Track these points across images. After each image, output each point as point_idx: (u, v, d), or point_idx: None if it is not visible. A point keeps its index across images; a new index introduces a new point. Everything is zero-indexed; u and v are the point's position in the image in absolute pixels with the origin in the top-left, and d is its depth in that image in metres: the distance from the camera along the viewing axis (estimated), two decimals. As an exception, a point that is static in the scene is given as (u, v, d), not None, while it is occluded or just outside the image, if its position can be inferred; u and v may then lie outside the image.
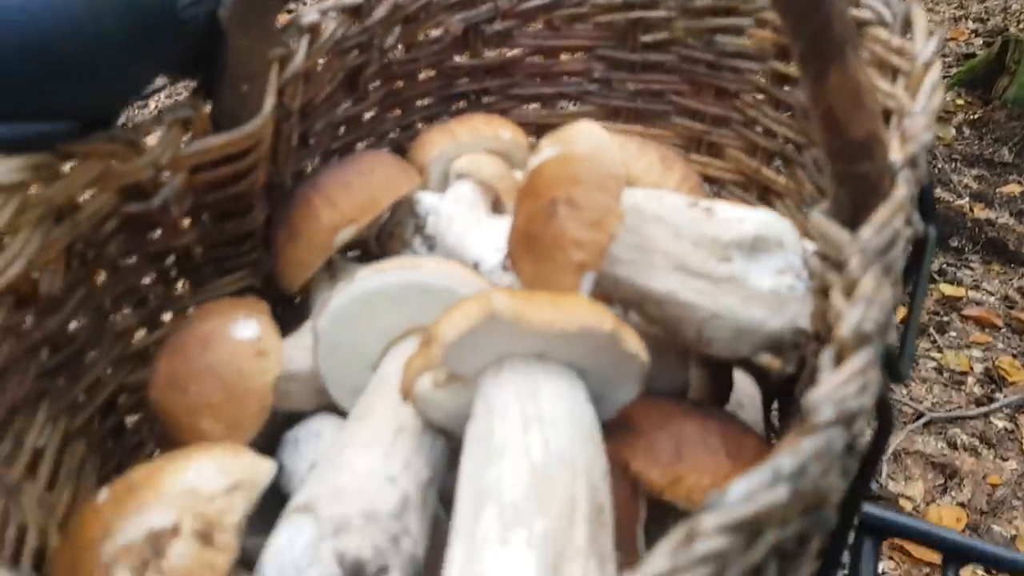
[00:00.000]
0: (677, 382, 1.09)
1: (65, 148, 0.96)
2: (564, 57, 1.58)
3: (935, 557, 1.86)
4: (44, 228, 0.96)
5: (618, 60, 1.55)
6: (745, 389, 1.20)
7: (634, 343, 0.85)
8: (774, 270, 0.97)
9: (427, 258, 1.00)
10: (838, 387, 0.63)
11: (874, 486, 2.77)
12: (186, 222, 1.16)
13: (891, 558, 2.62)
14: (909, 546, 2.60)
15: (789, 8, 0.72)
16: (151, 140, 1.05)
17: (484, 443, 0.79)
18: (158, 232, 1.13)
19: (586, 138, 0.95)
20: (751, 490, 0.56)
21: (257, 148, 1.16)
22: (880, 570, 2.56)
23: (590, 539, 0.74)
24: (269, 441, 1.14)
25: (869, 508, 1.29)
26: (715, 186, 1.50)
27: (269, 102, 1.14)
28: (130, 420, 1.19)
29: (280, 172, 1.27)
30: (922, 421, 3.01)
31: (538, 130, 1.59)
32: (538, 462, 0.76)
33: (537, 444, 0.77)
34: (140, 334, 1.18)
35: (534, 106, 1.60)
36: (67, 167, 0.97)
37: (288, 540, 0.79)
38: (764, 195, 1.44)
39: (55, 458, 1.02)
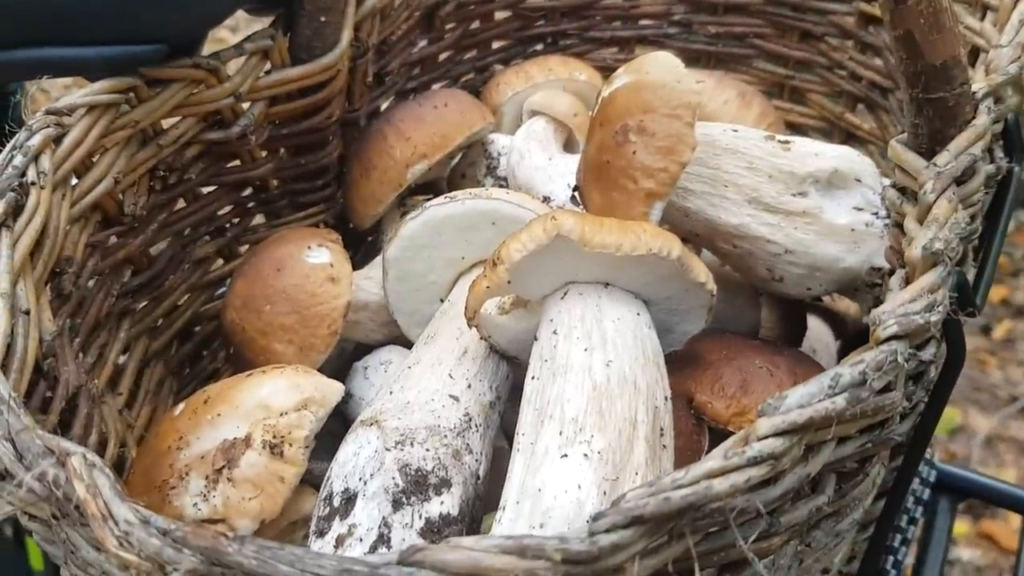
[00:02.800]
0: (748, 323, 1.07)
1: (150, 72, 0.98)
2: (643, -1, 1.55)
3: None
4: (130, 150, 0.99)
5: (699, 1, 1.51)
6: (820, 336, 1.18)
7: (702, 272, 0.84)
8: (851, 206, 0.94)
9: (496, 188, 1.00)
10: (904, 303, 0.61)
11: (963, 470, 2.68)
12: (263, 153, 1.19)
13: (978, 547, 2.54)
14: (997, 533, 2.51)
15: (874, -82, 0.69)
16: (231, 69, 1.07)
17: (548, 362, 0.80)
18: (236, 162, 1.16)
19: (660, 66, 0.93)
20: (808, 397, 0.55)
21: (333, 81, 1.17)
22: (964, 556, 2.48)
23: (649, 458, 0.74)
24: (340, 372, 1.16)
25: (946, 467, 1.26)
26: (797, 132, 1.46)
27: (346, 36, 1.15)
28: (206, 351, 1.23)
29: (355, 109, 1.28)
30: (1018, 405, 2.88)
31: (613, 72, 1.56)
32: (600, 381, 0.76)
33: (599, 364, 0.77)
34: (217, 263, 1.22)
35: (612, 50, 1.58)
36: (153, 92, 1.00)
37: (354, 450, 0.81)
38: (847, 141, 1.40)
39: (134, 377, 1.06)
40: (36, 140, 0.85)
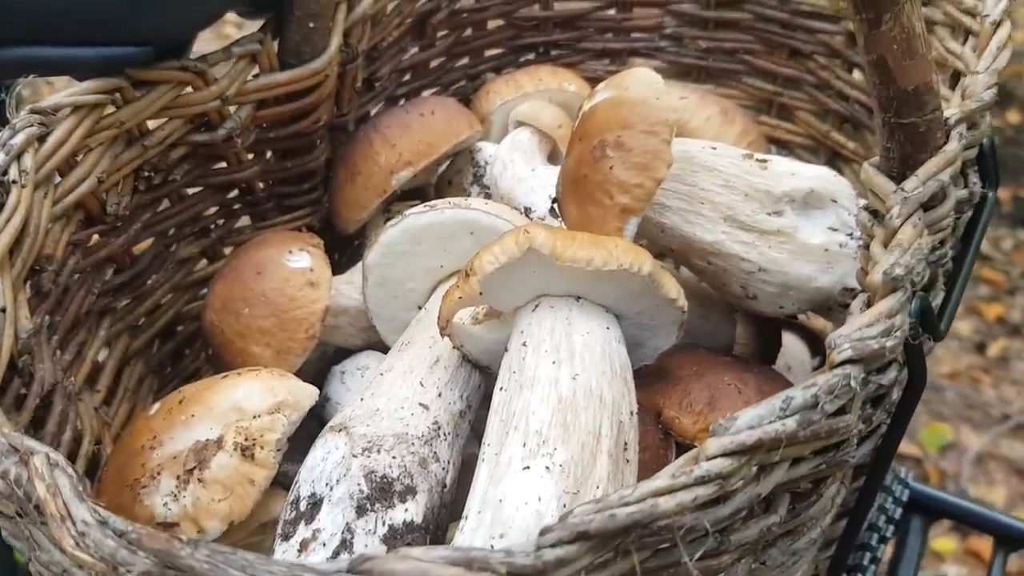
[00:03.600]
0: (722, 339, 1.08)
1: (137, 74, 0.99)
2: (636, 11, 1.56)
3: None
4: (114, 150, 1.00)
5: (691, 16, 1.52)
6: (796, 353, 1.19)
7: (673, 288, 0.85)
8: (826, 226, 0.95)
9: (477, 199, 1.01)
10: (860, 328, 0.62)
11: (952, 487, 2.68)
12: (249, 156, 1.19)
13: (964, 564, 2.54)
14: (984, 551, 2.50)
15: (846, -53, 0.70)
16: (219, 72, 1.08)
17: (516, 373, 0.81)
18: (222, 164, 1.17)
19: (640, 82, 0.94)
20: (759, 418, 0.56)
21: (321, 87, 1.18)
22: (951, 573, 2.48)
23: (612, 472, 0.75)
24: (320, 375, 1.17)
25: (920, 486, 1.27)
26: (784, 149, 1.47)
27: (335, 42, 1.16)
28: (188, 350, 1.23)
29: (343, 114, 1.29)
30: (1009, 424, 2.88)
31: (606, 87, 1.58)
32: (566, 394, 0.77)
33: (566, 377, 0.78)
34: (201, 264, 1.23)
35: (603, 61, 1.59)
36: (139, 93, 1.01)
37: (322, 455, 0.82)
38: (833, 160, 1.41)
39: (114, 375, 1.07)
40: (19, 139, 0.86)
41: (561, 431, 0.75)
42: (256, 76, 1.12)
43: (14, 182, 0.83)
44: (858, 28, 0.74)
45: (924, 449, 2.83)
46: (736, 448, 0.55)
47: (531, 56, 1.58)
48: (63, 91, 0.93)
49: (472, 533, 0.72)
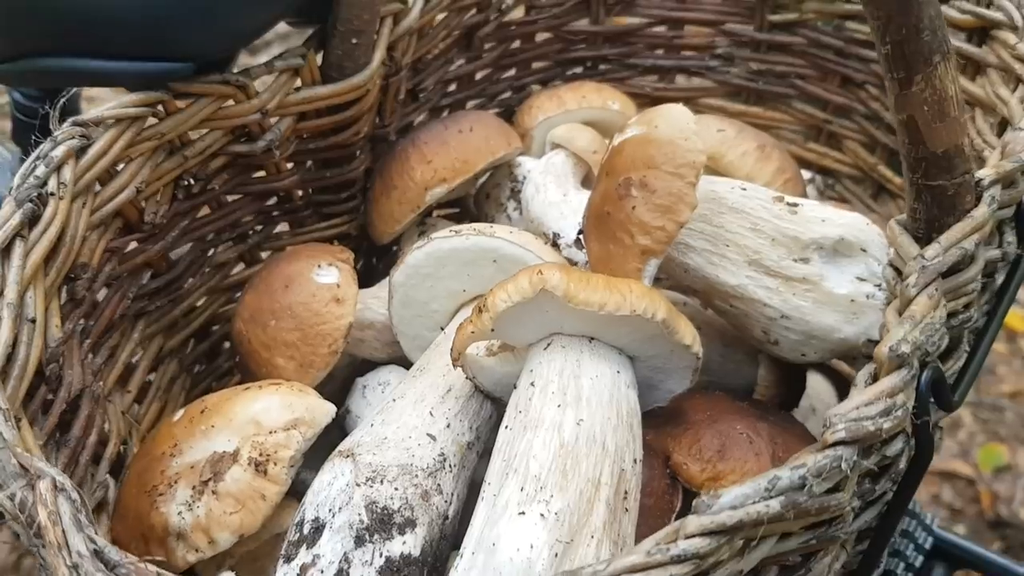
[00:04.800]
0: (744, 379, 1.07)
1: (179, 87, 1.02)
2: (688, 29, 1.54)
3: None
4: (154, 160, 1.03)
5: (743, 37, 1.50)
6: (820, 394, 1.17)
7: (688, 334, 0.84)
8: (854, 276, 0.94)
9: (502, 227, 1.01)
10: (859, 407, 0.61)
11: (1005, 511, 2.60)
12: (289, 165, 1.22)
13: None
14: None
15: (877, 7, 0.69)
16: (261, 85, 1.10)
17: (521, 414, 0.81)
18: (262, 173, 1.19)
19: (671, 121, 0.93)
20: (742, 498, 0.56)
21: (361, 101, 1.19)
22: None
23: (608, 521, 0.75)
24: (347, 382, 1.20)
25: (944, 534, 1.24)
26: (830, 178, 1.45)
27: (377, 57, 1.18)
28: (222, 350, 1.27)
29: (385, 125, 1.30)
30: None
31: (653, 103, 1.56)
32: (568, 439, 0.77)
33: (570, 422, 0.79)
34: (238, 268, 1.25)
35: (652, 78, 1.58)
36: (181, 105, 1.03)
37: (328, 480, 0.84)
38: (878, 193, 1.38)
39: (146, 374, 1.10)
40: (59, 151, 0.89)
41: (560, 477, 0.75)
42: (298, 89, 1.14)
43: (52, 194, 0.86)
44: (889, 86, 0.73)
45: (978, 470, 2.76)
46: (716, 528, 0.55)
47: (579, 70, 1.58)
48: (106, 104, 0.95)
49: (465, 573, 0.73)
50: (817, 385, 1.15)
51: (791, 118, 1.48)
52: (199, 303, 1.20)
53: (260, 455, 0.90)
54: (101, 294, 1.00)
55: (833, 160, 1.44)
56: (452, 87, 1.46)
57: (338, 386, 1.21)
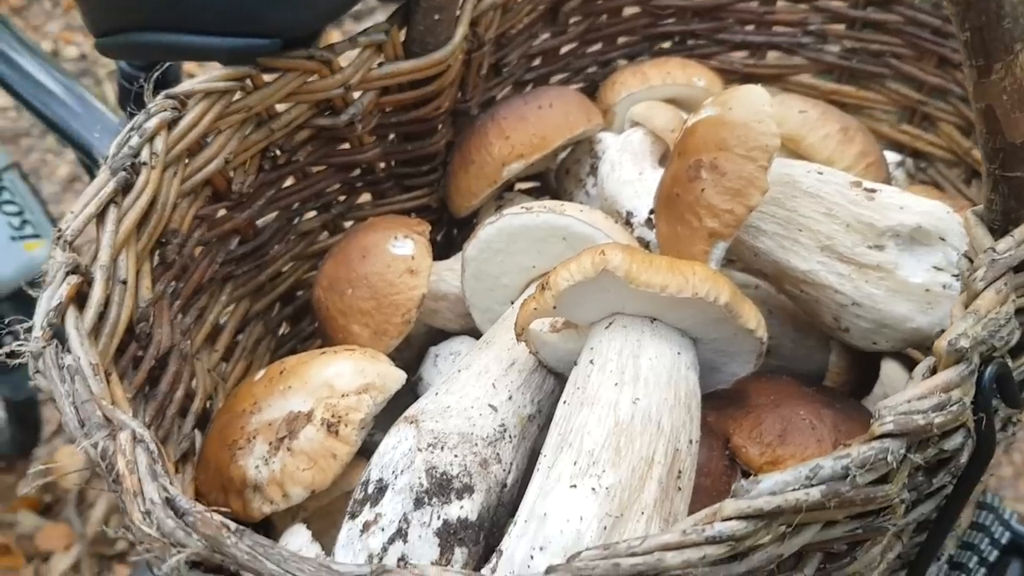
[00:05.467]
0: (816, 364, 1.06)
1: (267, 62, 1.06)
2: (780, 5, 1.51)
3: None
4: (242, 132, 1.07)
5: (838, 14, 1.46)
6: (895, 383, 1.14)
7: (752, 319, 0.84)
8: (930, 265, 0.92)
9: (573, 204, 1.02)
10: (911, 400, 0.60)
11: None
12: (371, 139, 1.25)
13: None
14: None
15: (956, -8, 0.67)
16: (345, 61, 1.13)
17: (579, 390, 0.83)
18: (345, 145, 1.23)
19: (746, 103, 0.92)
20: (782, 485, 0.56)
21: (443, 76, 1.22)
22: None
23: (659, 499, 0.76)
24: (422, 352, 1.23)
25: (1022, 529, 1.21)
26: (922, 161, 1.40)
27: (459, 33, 1.19)
28: (306, 314, 1.32)
29: (467, 99, 1.32)
30: None
31: (743, 80, 1.54)
32: (623, 418, 0.79)
33: (627, 401, 0.80)
34: (323, 236, 1.30)
35: (741, 54, 1.55)
36: (268, 80, 1.07)
37: (393, 444, 0.87)
38: (972, 178, 1.33)
39: (232, 335, 1.16)
40: (152, 123, 0.94)
41: (613, 454, 0.77)
42: (380, 65, 1.16)
43: (144, 164, 0.91)
44: (968, 74, 0.71)
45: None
46: (752, 512, 0.56)
47: (666, 45, 1.56)
48: (197, 78, 1.00)
49: (516, 540, 0.76)
50: (892, 373, 1.13)
51: (884, 98, 1.44)
52: (284, 269, 1.25)
53: (332, 416, 0.94)
54: (191, 259, 1.05)
55: (926, 143, 1.39)
56: (536, 62, 1.47)
57: (415, 354, 1.24)
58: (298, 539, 0.91)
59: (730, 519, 0.56)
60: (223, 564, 0.58)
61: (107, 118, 1.65)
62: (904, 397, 0.61)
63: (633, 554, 0.54)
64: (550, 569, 0.54)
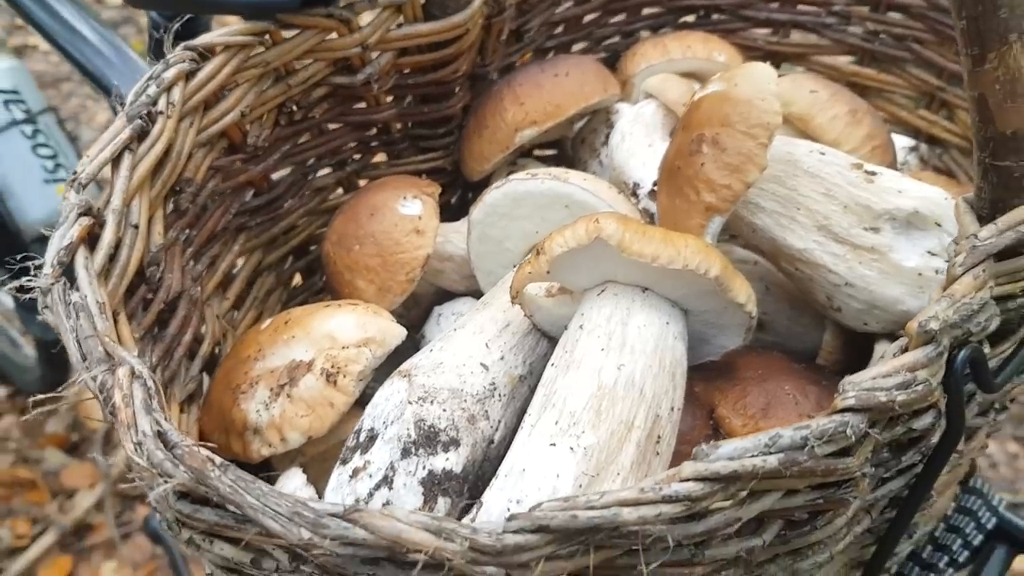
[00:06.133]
0: (810, 343, 1.07)
1: (286, 18, 1.08)
2: (807, -16, 1.50)
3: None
4: (260, 86, 1.10)
5: (864, -5, 1.45)
6: (892, 364, 1.15)
7: (742, 293, 0.86)
8: (924, 250, 0.93)
9: (577, 173, 1.04)
10: (874, 377, 0.62)
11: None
12: (388, 99, 1.27)
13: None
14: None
15: (953, -21, 0.67)
16: (365, 21, 1.15)
17: (567, 353, 0.85)
18: (362, 104, 1.25)
19: (752, 80, 0.93)
20: (740, 451, 0.58)
21: (461, 40, 1.23)
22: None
23: (637, 462, 0.79)
24: (428, 311, 1.26)
25: (1010, 516, 1.22)
26: (937, 147, 1.40)
27: (479, -3, 1.21)
28: (318, 268, 1.35)
29: (486, 64, 1.34)
30: None
31: (765, 57, 1.54)
32: (606, 382, 0.81)
33: (611, 366, 0.82)
34: (337, 193, 1.33)
35: (765, 31, 1.55)
36: (287, 36, 1.10)
37: (386, 396, 0.90)
38: (986, 167, 1.33)
39: (244, 285, 1.20)
40: (171, 73, 0.97)
41: (594, 416, 0.79)
42: (399, 26, 1.18)
43: (160, 113, 0.94)
44: (963, 62, 0.72)
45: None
46: (709, 475, 0.58)
47: (690, 18, 1.56)
48: (216, 31, 1.02)
49: (496, 493, 0.79)
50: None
51: (904, 82, 1.43)
52: (298, 223, 1.28)
53: (332, 367, 0.97)
54: (205, 208, 1.08)
55: (943, 129, 1.39)
56: (558, 29, 1.48)
57: (422, 312, 1.28)
58: (293, 481, 0.95)
59: (687, 480, 0.58)
60: (207, 496, 0.61)
61: (141, 68, 1.68)
62: (869, 374, 0.63)
63: (591, 507, 0.57)
64: (511, 517, 0.57)
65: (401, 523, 0.57)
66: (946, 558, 1.17)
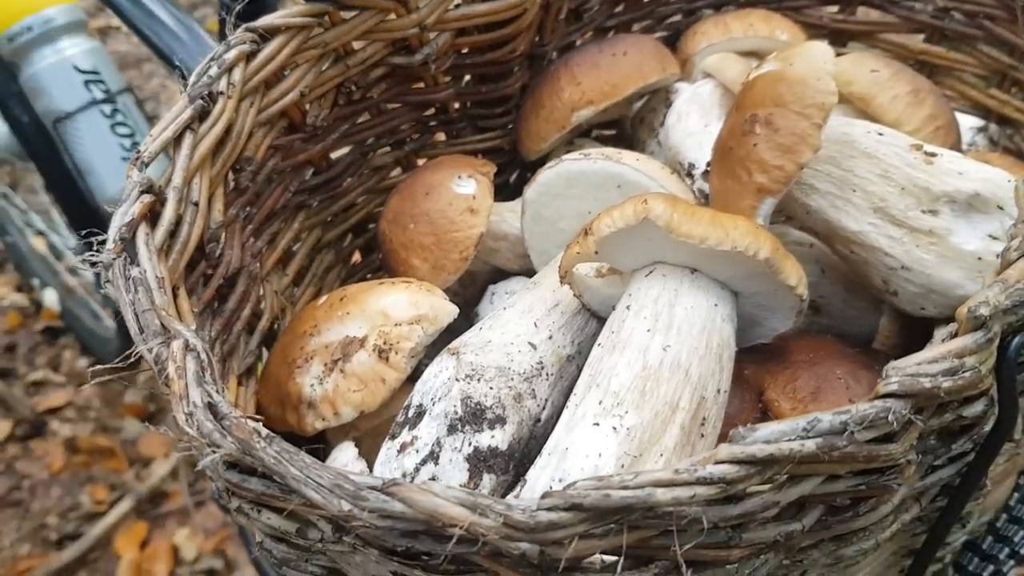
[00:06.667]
0: (866, 327, 1.05)
1: (345, 0, 1.09)
2: (875, -40, 1.46)
3: None
4: (319, 67, 1.12)
5: (935, -30, 1.40)
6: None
7: (793, 275, 0.85)
8: (985, 233, 0.90)
9: (630, 153, 1.04)
10: (921, 363, 0.61)
11: None
12: (446, 79, 1.28)
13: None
14: None
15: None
16: (422, 1, 1.16)
17: (614, 334, 0.85)
18: (420, 84, 1.26)
19: (807, 59, 0.91)
20: (778, 434, 0.58)
21: (519, 19, 1.23)
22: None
23: (680, 444, 0.79)
24: (483, 290, 1.27)
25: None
26: (1008, 128, 1.35)
27: (537, -24, 1.21)
28: (377, 244, 1.37)
29: (544, 44, 1.34)
30: None
31: (831, 34, 1.50)
32: (652, 363, 0.81)
33: (657, 347, 0.82)
34: (396, 172, 1.35)
35: (832, 9, 1.51)
36: (346, 17, 1.11)
37: (435, 372, 0.92)
38: (1061, 148, 1.28)
39: (304, 261, 1.22)
40: (232, 54, 0.99)
41: (638, 396, 0.79)
42: (457, 6, 1.19)
43: (221, 93, 0.96)
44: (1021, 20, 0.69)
45: None
46: (745, 458, 0.58)
47: (755, -5, 1.53)
48: (276, 13, 1.04)
49: (540, 471, 0.80)
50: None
51: (975, 61, 1.38)
52: (358, 201, 1.30)
53: (384, 343, 0.99)
54: (265, 185, 1.11)
55: (1014, 109, 1.34)
56: (619, 8, 1.46)
57: (479, 290, 1.29)
58: (345, 455, 0.97)
59: (723, 462, 0.58)
60: (253, 466, 0.63)
61: (213, 48, 1.72)
62: (915, 359, 0.62)
63: (625, 487, 0.57)
64: (546, 494, 0.58)
65: (438, 498, 0.58)
66: (1007, 550, 1.14)
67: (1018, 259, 0.68)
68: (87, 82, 2.37)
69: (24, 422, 2.76)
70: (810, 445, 0.59)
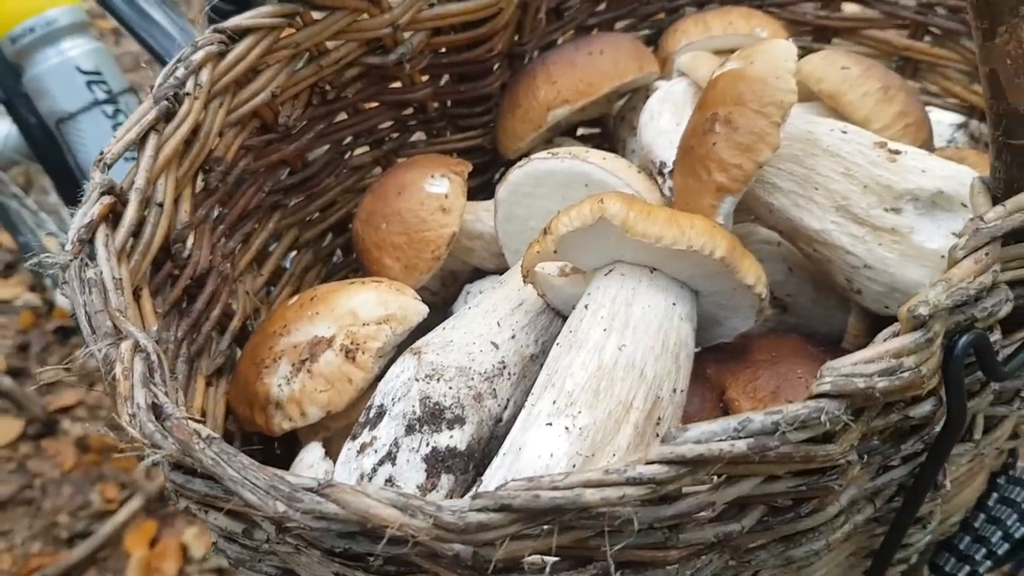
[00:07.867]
0: (834, 325, 1.04)
1: (316, 0, 1.10)
2: (859, -45, 1.45)
3: None
4: (291, 67, 1.12)
5: (918, -35, 1.40)
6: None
7: (751, 274, 0.85)
8: (949, 231, 0.89)
9: (597, 152, 1.03)
10: (856, 363, 0.61)
11: None
12: (424, 78, 1.28)
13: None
14: None
15: (956, -49, 0.65)
16: (395, 1, 1.16)
17: (571, 333, 0.85)
18: (397, 84, 1.26)
19: (768, 58, 0.91)
20: (708, 434, 0.58)
21: (495, 18, 1.23)
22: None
23: (634, 443, 0.79)
24: (459, 290, 1.27)
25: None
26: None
27: (512, -25, 1.20)
28: (358, 242, 1.37)
29: (523, 43, 1.33)
30: None
31: (814, 31, 1.50)
32: (606, 363, 0.81)
33: (612, 346, 0.82)
34: (375, 171, 1.35)
35: (814, 4, 1.50)
36: (317, 17, 1.12)
37: (396, 373, 0.92)
38: (1044, 144, 1.26)
39: (280, 261, 1.23)
40: (199, 55, 0.99)
41: (591, 396, 0.79)
42: (431, 6, 1.19)
43: (188, 94, 0.97)
44: (974, 36, 0.69)
45: None
46: (675, 458, 0.58)
47: (739, -8, 1.52)
48: (246, 13, 1.05)
49: (495, 471, 0.80)
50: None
51: (959, 56, 1.37)
52: (337, 200, 1.31)
53: (351, 343, 1.00)
54: (236, 186, 1.11)
55: (1000, 104, 1.32)
56: (601, 6, 1.46)
57: (459, 289, 1.29)
58: (312, 455, 0.97)
59: (652, 463, 0.58)
60: (194, 467, 0.64)
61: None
62: (851, 360, 0.62)
63: (555, 488, 0.57)
64: (476, 495, 0.58)
65: (370, 499, 0.58)
66: (984, 550, 1.13)
67: (964, 258, 0.67)
68: (89, 83, 2.39)
69: (36, 421, 2.78)
70: (741, 445, 0.58)
